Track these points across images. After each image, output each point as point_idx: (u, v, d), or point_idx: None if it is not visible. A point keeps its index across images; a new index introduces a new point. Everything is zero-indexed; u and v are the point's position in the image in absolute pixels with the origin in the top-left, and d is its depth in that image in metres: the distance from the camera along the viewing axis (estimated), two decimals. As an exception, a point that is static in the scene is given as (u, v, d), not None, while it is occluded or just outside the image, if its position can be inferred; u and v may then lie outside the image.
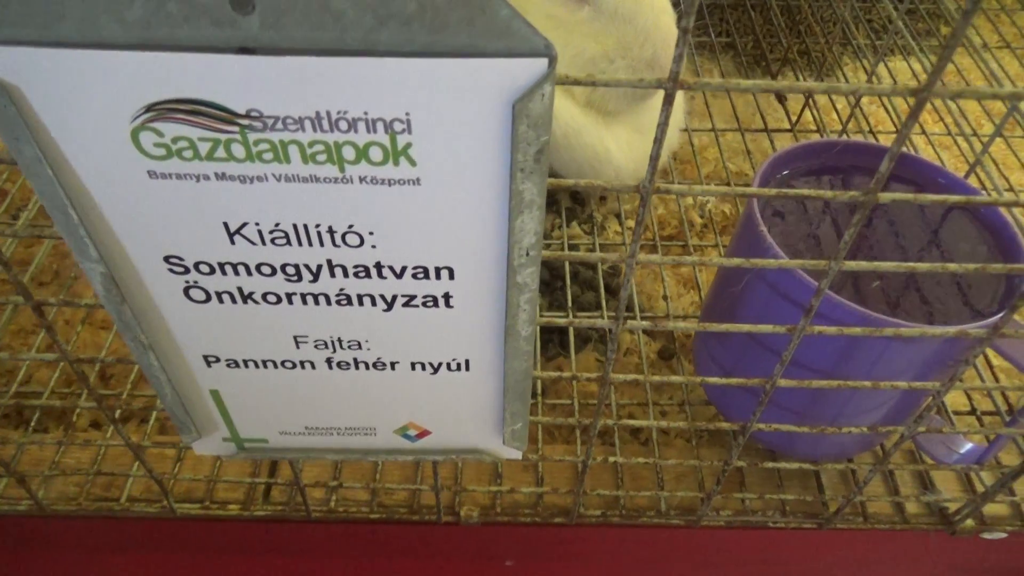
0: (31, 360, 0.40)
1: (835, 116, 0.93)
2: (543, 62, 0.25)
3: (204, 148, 0.27)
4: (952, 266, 0.33)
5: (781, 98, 0.92)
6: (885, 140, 0.87)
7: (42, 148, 0.27)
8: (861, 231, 0.58)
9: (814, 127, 0.88)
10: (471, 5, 0.24)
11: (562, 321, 0.37)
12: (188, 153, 0.27)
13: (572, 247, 0.78)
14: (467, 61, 0.25)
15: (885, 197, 0.30)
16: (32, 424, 0.59)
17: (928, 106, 0.92)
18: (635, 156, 0.75)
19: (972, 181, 0.69)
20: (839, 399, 0.49)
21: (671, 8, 0.69)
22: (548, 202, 0.84)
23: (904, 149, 0.73)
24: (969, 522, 0.53)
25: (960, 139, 0.87)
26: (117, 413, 0.61)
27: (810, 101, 0.87)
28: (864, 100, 0.94)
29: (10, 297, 0.33)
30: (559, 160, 0.73)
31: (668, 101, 0.27)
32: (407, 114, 0.26)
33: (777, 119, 0.93)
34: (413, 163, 0.28)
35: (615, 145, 0.73)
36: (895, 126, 0.87)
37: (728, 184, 0.81)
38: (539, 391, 0.65)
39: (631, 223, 0.80)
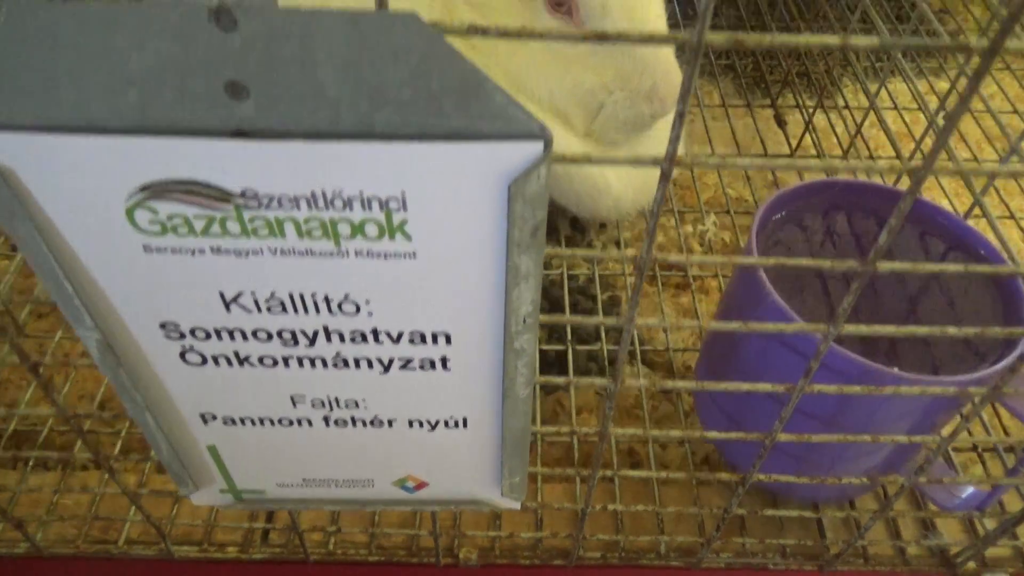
0: (26, 411, 0.40)
1: (835, 140, 0.93)
2: (539, 145, 0.25)
3: (199, 224, 0.27)
4: (951, 330, 0.32)
5: (781, 122, 0.92)
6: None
7: (37, 225, 0.27)
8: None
9: (814, 152, 0.87)
10: (466, 91, 0.23)
11: (561, 380, 0.37)
12: (183, 229, 0.27)
13: (572, 276, 0.78)
14: (463, 144, 0.24)
15: (884, 267, 0.30)
16: (31, 461, 0.59)
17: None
18: (634, 185, 0.75)
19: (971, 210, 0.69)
20: (840, 443, 0.49)
21: (672, 46, 0.68)
22: (547, 230, 0.84)
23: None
24: (971, 564, 0.53)
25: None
26: (116, 448, 0.61)
27: (810, 126, 0.87)
28: (866, 123, 0.94)
29: (5, 358, 0.33)
30: (558, 190, 0.73)
31: (664, 178, 0.27)
32: (403, 192, 0.26)
33: (777, 141, 0.93)
34: (409, 238, 0.28)
35: (614, 175, 0.72)
36: (895, 151, 0.87)
37: (728, 212, 0.81)
38: (538, 418, 0.64)
39: (631, 251, 0.80)
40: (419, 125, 0.24)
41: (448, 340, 0.32)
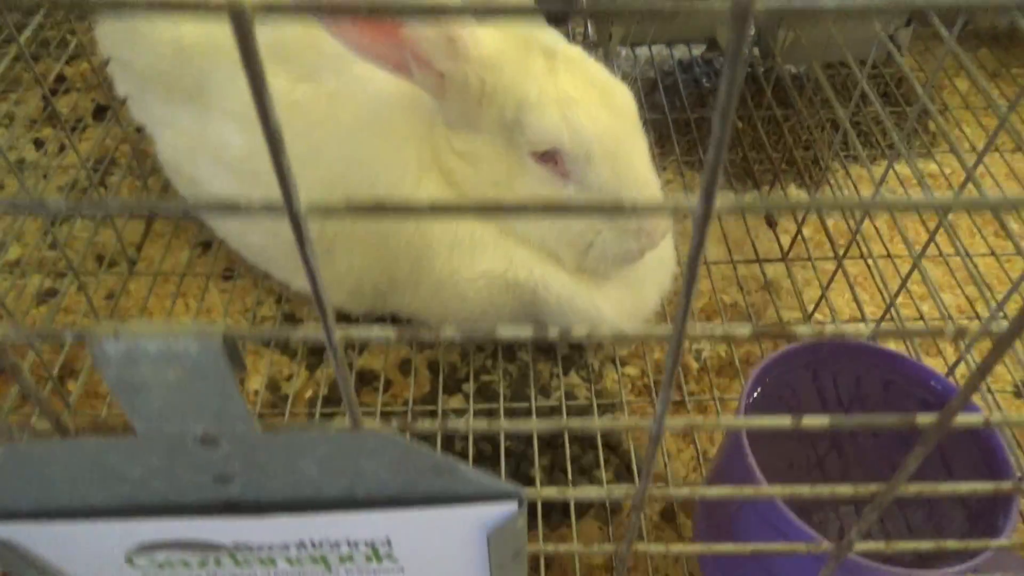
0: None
1: (825, 235, 0.93)
2: (513, 504, 0.26)
3: (194, 562, 0.28)
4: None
5: (772, 223, 0.93)
6: (883, 263, 0.87)
7: (43, 572, 0.28)
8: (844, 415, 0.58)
9: (806, 255, 0.88)
10: (440, 471, 0.25)
11: (566, 548, 0.37)
12: (180, 567, 0.28)
13: (569, 396, 0.79)
14: (440, 508, 0.26)
15: (859, 548, 0.31)
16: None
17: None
18: (627, 310, 0.76)
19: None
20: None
21: (655, 178, 0.70)
22: (545, 349, 0.85)
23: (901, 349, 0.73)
24: None
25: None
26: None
27: (801, 230, 0.88)
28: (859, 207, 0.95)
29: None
30: (554, 320, 0.74)
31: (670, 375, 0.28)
32: (387, 537, 0.27)
33: (769, 238, 0.94)
34: (396, 561, 0.29)
35: (607, 305, 0.73)
36: (886, 251, 0.88)
37: (722, 322, 0.82)
38: (542, 566, 0.65)
39: (628, 370, 0.81)
40: (398, 490, 0.25)
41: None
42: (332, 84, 0.73)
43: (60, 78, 1.14)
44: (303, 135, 0.73)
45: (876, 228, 0.93)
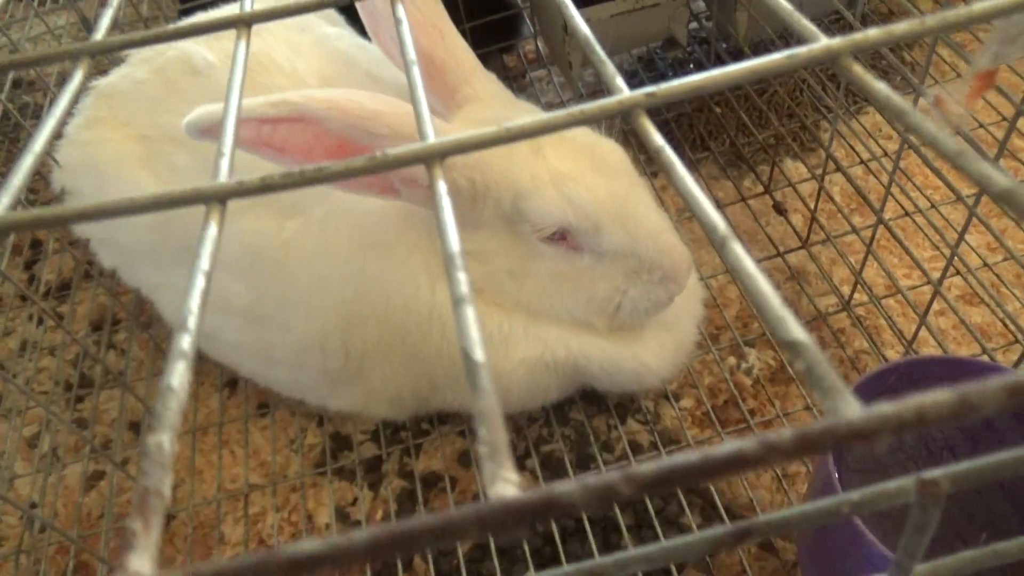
0: None
1: (835, 205, 0.92)
2: None
3: None
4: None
5: (781, 210, 0.92)
6: (904, 223, 0.86)
7: None
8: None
9: (823, 236, 0.87)
10: None
11: None
12: None
13: (633, 445, 0.78)
14: None
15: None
16: None
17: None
18: (670, 353, 0.74)
19: None
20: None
21: (668, 223, 0.68)
22: (596, 402, 0.84)
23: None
24: None
25: None
26: None
27: (815, 217, 0.86)
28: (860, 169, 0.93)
29: None
30: (603, 385, 0.74)
31: None
32: None
33: (780, 223, 0.92)
34: None
35: (648, 354, 0.72)
36: (913, 206, 0.86)
37: (765, 334, 0.81)
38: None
39: (684, 403, 0.80)
40: None
41: None
42: (319, 212, 0.71)
43: (35, 244, 1.12)
44: (304, 268, 0.72)
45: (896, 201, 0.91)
